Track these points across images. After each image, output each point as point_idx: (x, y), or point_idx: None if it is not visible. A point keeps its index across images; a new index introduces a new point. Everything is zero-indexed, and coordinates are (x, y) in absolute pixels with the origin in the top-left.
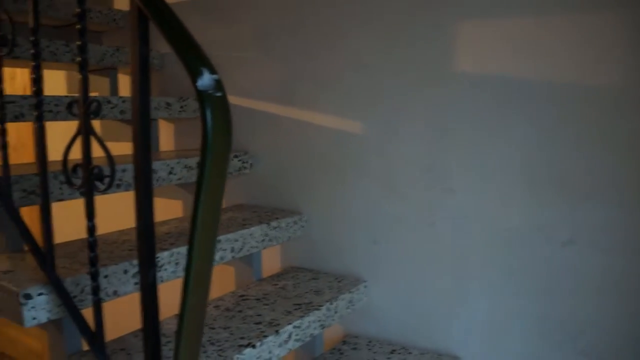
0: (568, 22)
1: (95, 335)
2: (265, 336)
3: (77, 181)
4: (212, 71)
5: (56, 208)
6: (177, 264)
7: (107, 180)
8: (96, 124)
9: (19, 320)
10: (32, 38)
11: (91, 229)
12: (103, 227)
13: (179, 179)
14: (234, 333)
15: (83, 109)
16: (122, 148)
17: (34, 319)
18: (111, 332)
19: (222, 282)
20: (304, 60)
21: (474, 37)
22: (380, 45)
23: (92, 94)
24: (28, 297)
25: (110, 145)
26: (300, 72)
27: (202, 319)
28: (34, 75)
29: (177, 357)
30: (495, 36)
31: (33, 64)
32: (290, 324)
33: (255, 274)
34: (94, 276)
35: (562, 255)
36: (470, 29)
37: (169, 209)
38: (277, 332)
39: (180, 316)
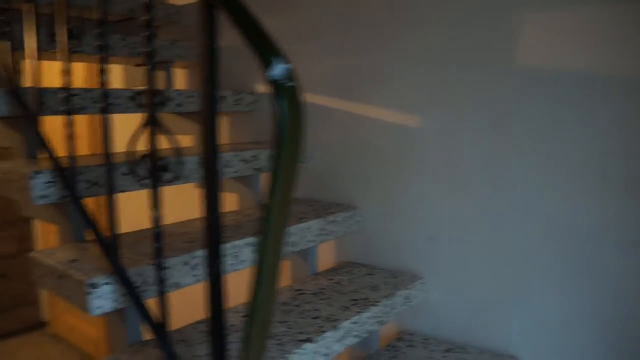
0: (634, 13)
1: (160, 326)
2: (324, 331)
3: (141, 173)
4: (285, 61)
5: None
6: (236, 256)
7: (171, 172)
8: None
9: (85, 308)
10: (98, 31)
11: (157, 220)
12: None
13: (236, 172)
14: (292, 327)
15: (150, 100)
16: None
17: (99, 308)
18: None
19: None
20: (361, 55)
21: (537, 30)
22: (441, 41)
23: None
24: (94, 286)
25: (166, 138)
26: (357, 66)
27: (271, 313)
28: (101, 67)
29: (247, 349)
30: (558, 29)
31: (99, 56)
32: (348, 320)
33: (311, 268)
34: (160, 267)
35: (632, 256)
36: (532, 23)
37: (225, 202)
38: (335, 327)
39: (250, 311)
